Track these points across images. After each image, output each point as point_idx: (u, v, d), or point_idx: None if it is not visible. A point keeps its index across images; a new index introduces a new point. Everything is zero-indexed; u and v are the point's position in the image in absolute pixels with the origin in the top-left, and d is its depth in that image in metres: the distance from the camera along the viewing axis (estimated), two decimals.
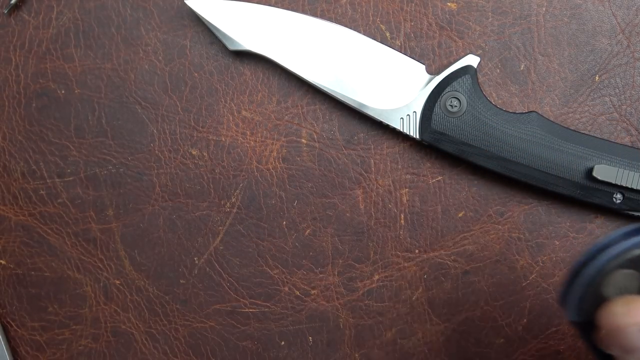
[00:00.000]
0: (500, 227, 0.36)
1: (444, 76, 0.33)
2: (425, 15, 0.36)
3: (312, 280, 0.37)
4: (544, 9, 0.36)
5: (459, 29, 0.36)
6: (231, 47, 0.35)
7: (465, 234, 0.36)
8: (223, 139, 0.37)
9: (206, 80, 0.37)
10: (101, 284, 0.37)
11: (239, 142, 0.37)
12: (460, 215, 0.36)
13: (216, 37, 0.36)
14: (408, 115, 0.34)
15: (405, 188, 0.36)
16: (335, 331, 0.36)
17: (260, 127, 0.37)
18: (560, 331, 0.36)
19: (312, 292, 0.37)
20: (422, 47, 0.36)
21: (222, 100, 0.37)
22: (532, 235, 0.36)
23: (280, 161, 0.37)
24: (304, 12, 0.36)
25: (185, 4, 0.37)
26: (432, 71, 0.36)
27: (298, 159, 0.37)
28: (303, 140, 0.37)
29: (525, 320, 0.36)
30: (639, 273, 0.25)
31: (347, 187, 0.36)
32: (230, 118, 0.37)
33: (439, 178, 0.36)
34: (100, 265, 0.37)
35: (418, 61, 0.34)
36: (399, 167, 0.36)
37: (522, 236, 0.36)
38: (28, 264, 0.37)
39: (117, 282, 0.37)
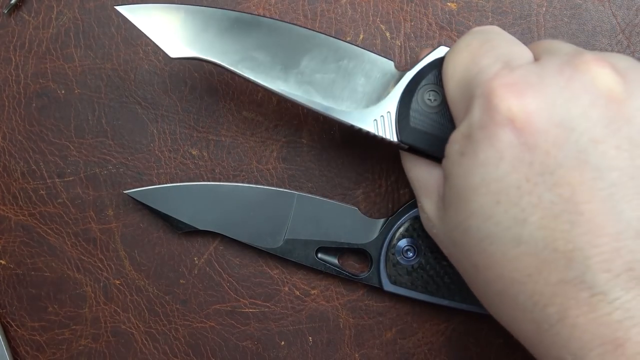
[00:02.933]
0: None
1: (416, 70, 0.30)
2: (425, 15, 0.36)
3: (312, 280, 0.37)
4: (544, 9, 0.36)
5: (459, 29, 0.36)
6: (173, 55, 0.31)
7: None
8: (223, 139, 0.37)
9: (206, 80, 0.37)
10: (101, 284, 0.37)
11: (239, 142, 0.37)
12: None
13: None
14: (382, 116, 0.30)
15: (405, 188, 0.36)
16: (335, 331, 0.36)
17: (260, 127, 0.37)
18: None
19: (312, 292, 0.37)
20: (422, 47, 0.36)
21: (222, 100, 0.37)
22: None
23: (280, 161, 0.37)
24: (303, 12, 0.36)
25: None
26: (405, 67, 0.35)
27: (298, 159, 0.37)
28: (303, 140, 0.37)
29: None
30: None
31: (347, 187, 0.36)
32: (230, 118, 0.37)
33: None
34: (100, 265, 0.37)
35: (386, 57, 0.31)
36: (399, 167, 0.36)
37: None
38: (28, 264, 0.37)
39: (117, 282, 0.37)
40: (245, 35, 0.31)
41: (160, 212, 0.35)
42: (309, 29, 0.31)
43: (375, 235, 0.35)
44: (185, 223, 0.35)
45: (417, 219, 0.34)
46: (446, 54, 0.29)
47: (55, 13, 0.37)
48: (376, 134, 0.30)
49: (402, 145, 0.30)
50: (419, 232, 0.34)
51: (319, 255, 0.35)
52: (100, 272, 0.37)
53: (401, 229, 0.34)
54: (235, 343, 0.37)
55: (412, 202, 0.35)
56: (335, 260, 0.35)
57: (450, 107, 0.28)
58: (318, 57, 0.31)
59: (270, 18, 0.31)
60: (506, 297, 0.25)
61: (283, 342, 0.37)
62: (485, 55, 0.26)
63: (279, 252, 0.35)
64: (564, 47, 0.27)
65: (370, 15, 0.36)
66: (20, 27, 0.37)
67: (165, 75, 0.37)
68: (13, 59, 0.37)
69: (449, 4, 0.36)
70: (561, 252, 0.23)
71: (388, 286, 0.34)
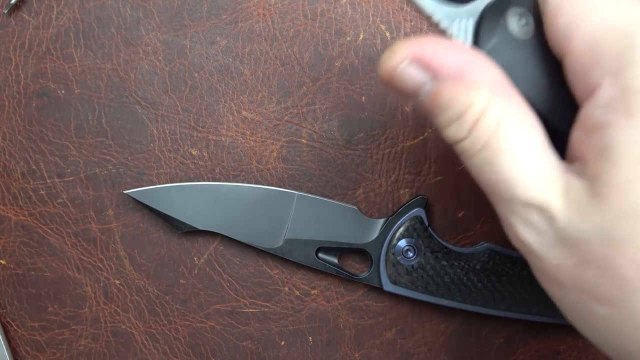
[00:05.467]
0: (500, 226, 0.36)
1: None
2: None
3: (312, 280, 0.37)
4: None
5: None
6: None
7: (465, 234, 0.36)
8: (223, 139, 0.37)
9: (206, 80, 0.37)
10: (101, 284, 0.37)
11: (239, 142, 0.37)
12: (460, 215, 0.36)
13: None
14: (458, 20, 0.24)
15: (405, 188, 0.36)
16: (335, 331, 0.36)
17: (260, 127, 0.37)
18: (560, 331, 0.36)
19: (312, 292, 0.37)
20: None
21: (222, 100, 0.37)
22: None
23: (280, 161, 0.37)
24: (303, 12, 0.36)
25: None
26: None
27: (298, 159, 0.37)
28: (303, 140, 0.37)
29: (525, 320, 0.36)
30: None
31: (347, 187, 0.36)
32: (230, 118, 0.37)
33: (439, 178, 0.36)
34: (100, 265, 0.37)
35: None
36: (399, 167, 0.36)
37: None
38: (28, 264, 0.37)
39: (117, 282, 0.37)
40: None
41: (160, 212, 0.35)
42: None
43: (375, 235, 0.35)
44: (185, 223, 0.35)
45: (417, 218, 0.34)
46: None
47: (55, 13, 0.37)
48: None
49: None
50: (419, 232, 0.34)
51: (319, 255, 0.35)
52: (100, 272, 0.37)
53: (401, 229, 0.34)
54: (235, 343, 0.37)
55: (412, 202, 0.35)
56: (335, 260, 0.35)
57: (580, 55, 0.22)
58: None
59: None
60: None
61: (283, 342, 0.37)
62: None
63: (279, 252, 0.35)
64: None
65: (370, 15, 0.36)
66: (20, 27, 0.37)
67: (165, 75, 0.37)
68: (13, 59, 0.37)
69: None
70: None
71: (388, 286, 0.34)
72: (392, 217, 0.35)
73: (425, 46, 0.23)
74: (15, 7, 0.37)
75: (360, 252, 0.36)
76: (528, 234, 0.23)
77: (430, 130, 0.36)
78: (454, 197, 0.36)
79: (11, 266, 0.37)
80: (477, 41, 0.24)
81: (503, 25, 0.23)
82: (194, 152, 0.37)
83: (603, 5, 0.22)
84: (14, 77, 0.37)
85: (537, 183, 0.22)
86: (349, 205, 0.35)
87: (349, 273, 0.35)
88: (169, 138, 0.37)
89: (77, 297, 0.37)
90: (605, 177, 0.21)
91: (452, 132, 0.23)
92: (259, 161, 0.37)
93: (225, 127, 0.37)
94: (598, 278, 0.21)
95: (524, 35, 0.23)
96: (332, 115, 0.36)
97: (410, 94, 0.23)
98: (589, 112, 0.22)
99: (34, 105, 0.37)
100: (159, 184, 0.37)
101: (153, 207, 0.35)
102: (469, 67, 0.22)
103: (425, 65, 0.23)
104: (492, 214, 0.36)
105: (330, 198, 0.36)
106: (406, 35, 0.36)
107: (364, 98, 0.36)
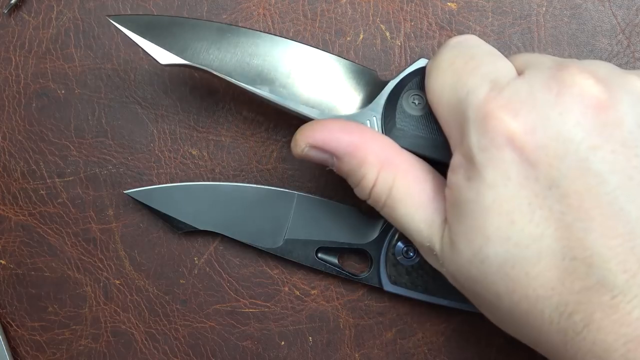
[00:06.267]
0: None
1: (399, 78, 0.31)
2: (425, 15, 0.36)
3: (312, 280, 0.37)
4: (544, 9, 0.36)
5: (459, 29, 0.36)
6: (162, 62, 0.31)
7: None
8: (223, 139, 0.37)
9: (206, 80, 0.37)
10: (101, 284, 0.37)
11: (239, 142, 0.37)
12: None
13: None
14: (368, 120, 0.31)
15: None
16: (335, 331, 0.36)
17: (260, 127, 0.37)
18: None
19: (312, 292, 0.37)
20: (422, 47, 0.36)
21: (222, 100, 0.37)
22: None
23: (280, 161, 0.37)
24: (303, 12, 0.36)
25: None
26: (390, 76, 0.34)
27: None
28: None
29: None
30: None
31: (347, 187, 0.36)
32: (230, 118, 0.37)
33: None
34: (100, 265, 0.37)
35: (369, 68, 0.32)
36: None
37: None
38: (28, 264, 0.37)
39: (117, 282, 0.37)
40: (233, 45, 0.31)
41: (160, 212, 0.35)
42: (295, 40, 0.32)
43: (376, 235, 0.35)
44: (185, 223, 0.35)
45: None
46: (428, 69, 0.29)
47: (55, 13, 0.37)
48: None
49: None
50: None
51: (319, 255, 0.35)
52: (100, 272, 0.37)
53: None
54: (235, 343, 0.37)
55: None
56: (335, 260, 0.35)
57: (443, 128, 0.28)
58: (305, 67, 0.32)
59: (258, 30, 0.32)
60: (532, 315, 0.25)
61: (283, 342, 0.37)
62: (471, 74, 0.26)
63: (279, 252, 0.35)
64: (544, 60, 0.27)
65: (370, 15, 0.36)
66: (20, 27, 0.37)
67: (165, 75, 0.37)
68: (13, 59, 0.37)
69: (449, 4, 0.36)
70: (580, 259, 0.24)
71: (388, 286, 0.34)
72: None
73: (320, 132, 0.29)
74: (15, 7, 0.37)
75: (361, 252, 0.36)
76: (430, 260, 0.29)
77: None
78: None
79: (11, 266, 0.37)
80: (385, 122, 0.31)
81: (400, 107, 0.31)
82: (194, 152, 0.37)
83: (450, 83, 0.27)
84: (14, 77, 0.37)
85: (425, 229, 0.28)
86: (348, 206, 0.35)
87: (349, 273, 0.35)
88: (169, 138, 0.37)
89: (77, 297, 0.37)
90: (454, 227, 0.26)
91: (358, 193, 0.30)
92: (259, 161, 0.37)
93: (225, 127, 0.37)
94: (474, 297, 0.28)
95: (418, 112, 0.31)
96: None
97: (323, 165, 0.30)
98: (448, 174, 0.27)
99: (34, 105, 0.37)
100: (159, 183, 0.37)
101: (153, 207, 0.35)
102: (360, 142, 0.28)
103: (321, 149, 0.29)
104: None
105: (331, 198, 0.36)
106: (406, 35, 0.36)
107: None
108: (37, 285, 0.37)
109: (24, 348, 0.37)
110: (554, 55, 0.35)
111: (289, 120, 0.37)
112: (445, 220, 0.27)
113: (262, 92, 0.31)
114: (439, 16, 0.36)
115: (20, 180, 0.37)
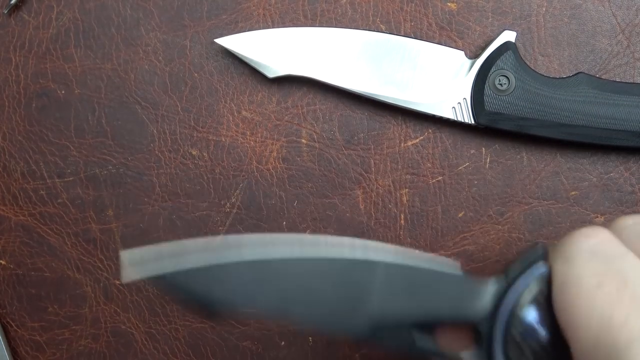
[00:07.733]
0: (500, 227, 0.36)
1: (485, 57, 0.33)
2: (425, 15, 0.36)
3: None
4: (544, 9, 0.36)
5: (459, 29, 0.36)
6: (270, 75, 0.35)
7: (465, 234, 0.36)
8: (223, 139, 0.37)
9: (206, 80, 0.37)
10: (101, 284, 0.37)
11: (239, 142, 0.37)
12: (460, 215, 0.36)
13: (250, 67, 0.36)
14: (459, 103, 0.34)
15: (405, 188, 0.36)
16: None
17: (260, 127, 0.37)
18: None
19: None
20: None
21: (222, 100, 0.37)
22: (532, 236, 0.36)
23: (280, 161, 0.37)
24: (303, 12, 0.36)
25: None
26: (472, 55, 0.36)
27: (298, 159, 0.37)
28: (303, 140, 0.37)
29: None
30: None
31: (347, 188, 0.36)
32: (230, 118, 0.37)
33: (439, 178, 0.36)
34: (100, 265, 0.37)
35: (455, 48, 0.35)
36: (399, 167, 0.36)
37: (522, 236, 0.36)
38: (28, 264, 0.37)
39: (117, 282, 0.37)
40: (326, 48, 0.35)
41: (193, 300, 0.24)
42: (382, 32, 0.35)
43: (487, 303, 0.24)
44: (228, 305, 0.23)
45: (545, 278, 0.24)
46: (562, 277, 0.23)
47: (55, 13, 0.37)
48: (455, 119, 0.34)
49: (480, 126, 0.34)
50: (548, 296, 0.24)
51: (415, 336, 0.24)
52: (100, 272, 0.37)
53: (526, 294, 0.24)
54: (235, 343, 0.37)
55: (531, 253, 0.24)
56: (434, 345, 0.25)
57: (575, 348, 0.23)
58: (396, 58, 0.34)
59: (342, 28, 0.35)
60: None
61: (283, 342, 0.37)
62: (628, 306, 0.22)
63: (362, 339, 0.24)
64: None
65: (370, 15, 0.36)
66: (20, 27, 0.37)
67: (165, 75, 0.37)
68: (13, 59, 0.37)
69: (449, 4, 0.36)
70: None
71: None
72: (507, 276, 0.24)
73: None
74: (15, 7, 0.37)
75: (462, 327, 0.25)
76: None
77: (430, 131, 0.36)
78: (454, 197, 0.36)
79: (11, 266, 0.37)
80: (475, 104, 0.34)
81: (488, 88, 0.33)
82: (194, 152, 0.37)
83: (599, 311, 0.22)
84: (14, 77, 0.37)
85: None
86: (447, 261, 0.25)
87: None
88: (169, 138, 0.37)
89: (77, 297, 0.37)
90: None
91: None
92: (259, 161, 0.37)
93: (225, 127, 0.37)
94: None
95: (506, 91, 0.33)
96: (332, 115, 0.36)
97: None
98: None
99: (34, 105, 0.37)
100: (159, 183, 0.37)
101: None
102: None
103: None
104: (492, 214, 0.36)
105: (331, 198, 0.36)
106: (406, 35, 0.36)
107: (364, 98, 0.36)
108: (37, 285, 0.37)
109: (24, 348, 0.37)
110: (553, 54, 0.35)
111: (289, 120, 0.37)
112: None
113: (358, 89, 0.35)
114: (439, 16, 0.36)
115: (20, 180, 0.37)
